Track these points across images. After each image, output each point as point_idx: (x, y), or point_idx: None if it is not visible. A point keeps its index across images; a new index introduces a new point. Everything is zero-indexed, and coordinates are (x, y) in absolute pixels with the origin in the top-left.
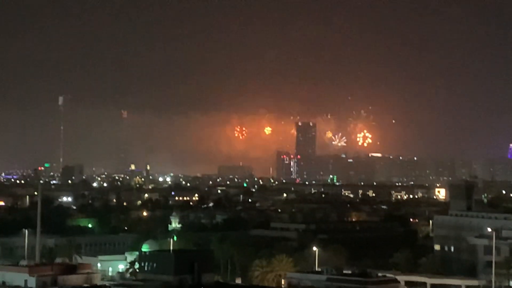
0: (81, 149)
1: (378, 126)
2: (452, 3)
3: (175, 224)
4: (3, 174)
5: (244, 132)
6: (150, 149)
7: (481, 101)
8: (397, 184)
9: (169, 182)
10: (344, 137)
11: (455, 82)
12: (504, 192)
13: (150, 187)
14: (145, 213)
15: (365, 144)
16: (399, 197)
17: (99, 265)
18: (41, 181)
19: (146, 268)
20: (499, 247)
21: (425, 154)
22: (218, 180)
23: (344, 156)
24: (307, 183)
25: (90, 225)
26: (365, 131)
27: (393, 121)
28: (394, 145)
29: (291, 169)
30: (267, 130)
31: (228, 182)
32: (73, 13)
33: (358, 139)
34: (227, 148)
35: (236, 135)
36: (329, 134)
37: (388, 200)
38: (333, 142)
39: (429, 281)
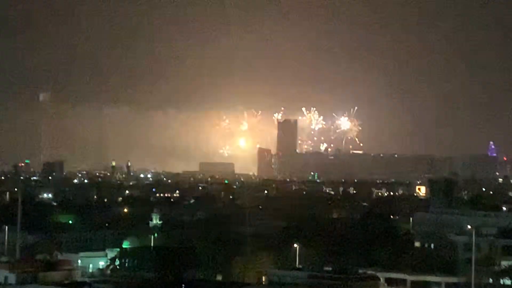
0: (62, 145)
1: (359, 123)
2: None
3: (156, 220)
4: None
5: (226, 128)
6: (131, 146)
7: (462, 98)
8: (378, 181)
9: (150, 179)
10: (325, 134)
11: (435, 79)
12: (484, 189)
13: (131, 183)
14: (126, 210)
15: (350, 146)
16: (380, 194)
17: (79, 261)
18: (22, 178)
19: (126, 265)
20: (479, 244)
21: (406, 151)
22: (199, 177)
23: (325, 153)
24: (288, 180)
25: (70, 222)
26: (350, 127)
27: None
28: (375, 142)
29: (272, 166)
30: (247, 126)
31: (209, 179)
32: (53, 9)
33: (334, 135)
34: (207, 145)
35: (206, 136)
36: (310, 131)
37: (369, 197)
38: (314, 138)
39: (409, 278)
